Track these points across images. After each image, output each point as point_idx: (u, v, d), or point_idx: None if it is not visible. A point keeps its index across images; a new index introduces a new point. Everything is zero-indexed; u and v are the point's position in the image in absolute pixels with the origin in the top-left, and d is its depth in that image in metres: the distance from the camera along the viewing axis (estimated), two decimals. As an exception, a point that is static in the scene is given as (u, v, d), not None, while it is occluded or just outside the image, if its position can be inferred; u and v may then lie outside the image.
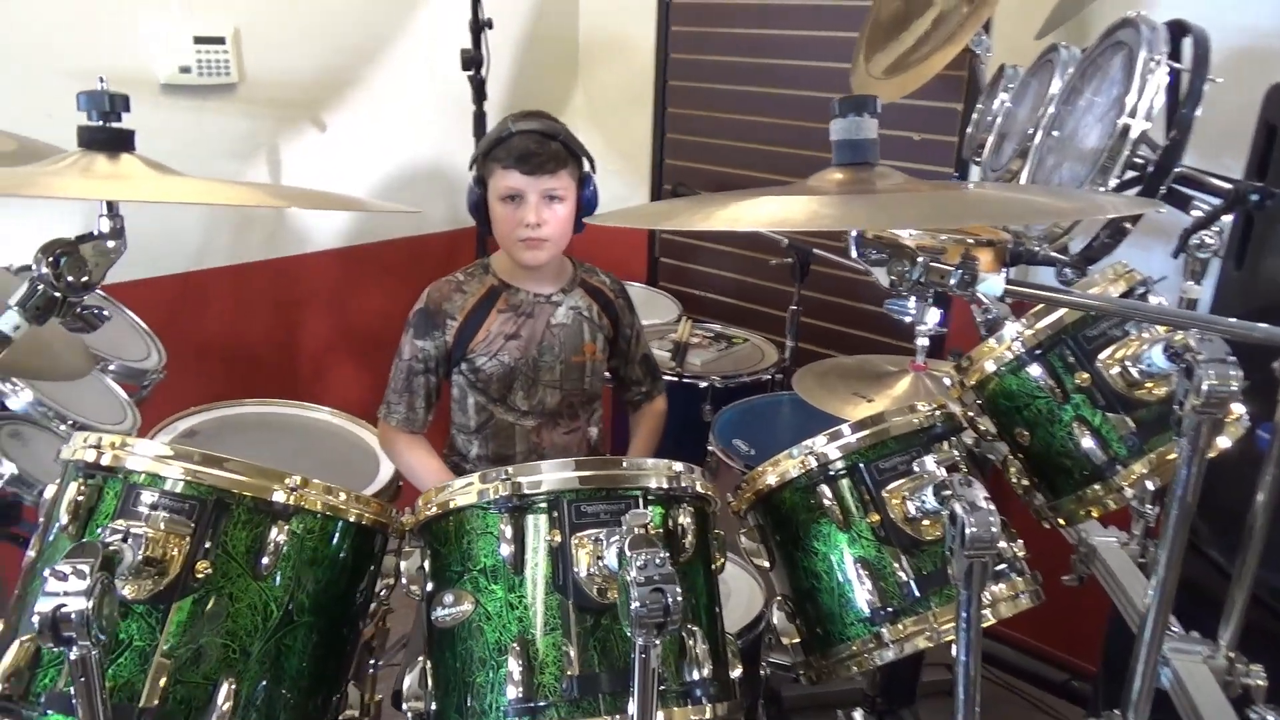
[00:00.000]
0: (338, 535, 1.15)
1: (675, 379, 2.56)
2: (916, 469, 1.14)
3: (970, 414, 1.29)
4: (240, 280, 2.75)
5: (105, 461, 1.06)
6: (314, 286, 2.95)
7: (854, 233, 0.96)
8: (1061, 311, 1.17)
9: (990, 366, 1.25)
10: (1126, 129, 1.35)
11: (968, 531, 0.96)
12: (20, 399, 1.55)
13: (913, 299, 0.97)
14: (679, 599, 0.90)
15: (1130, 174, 1.40)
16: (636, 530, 0.98)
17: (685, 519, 1.13)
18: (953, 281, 0.93)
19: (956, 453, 1.20)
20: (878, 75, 2.14)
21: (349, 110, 2.90)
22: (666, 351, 2.68)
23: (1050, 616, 1.42)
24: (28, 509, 1.45)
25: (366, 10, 2.85)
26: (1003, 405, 1.26)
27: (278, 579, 1.08)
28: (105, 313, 0.91)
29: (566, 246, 1.88)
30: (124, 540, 0.95)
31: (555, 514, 1.08)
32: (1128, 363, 1.12)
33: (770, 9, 2.99)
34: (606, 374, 2.03)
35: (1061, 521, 1.26)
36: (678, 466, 1.15)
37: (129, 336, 2.03)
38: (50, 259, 0.82)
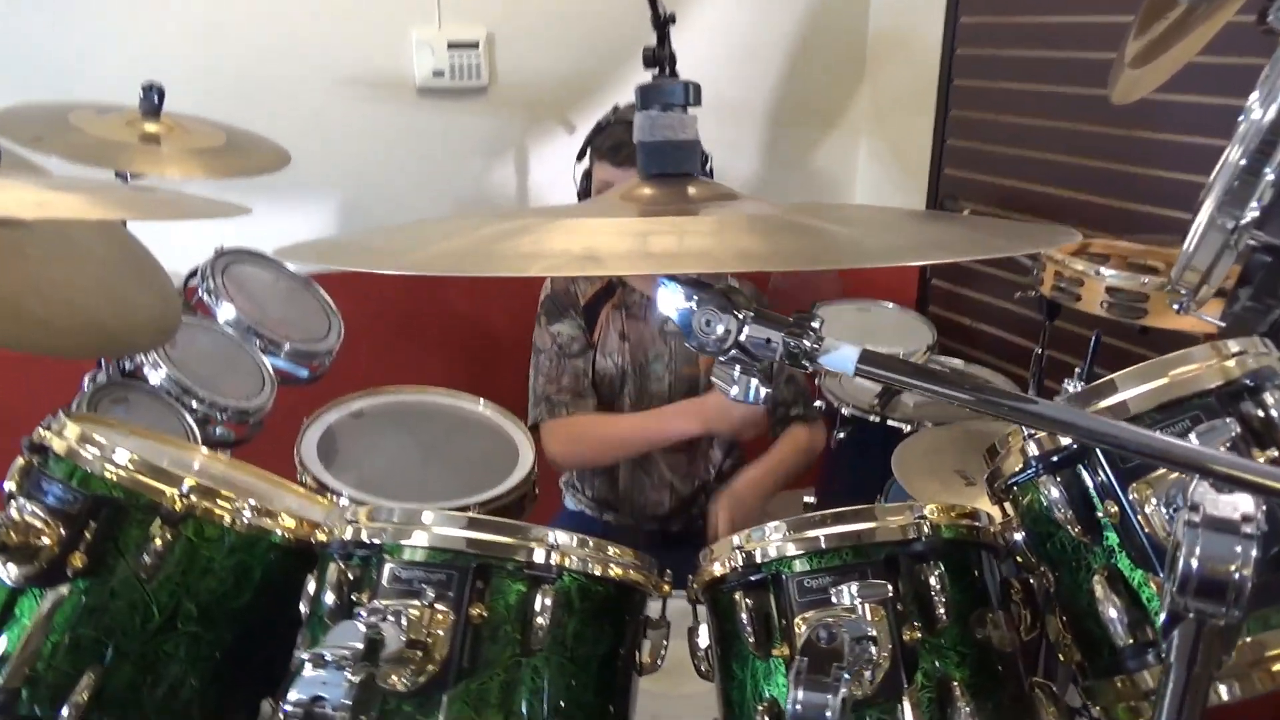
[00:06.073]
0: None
1: (878, 421, 2.22)
2: (834, 598, 0.82)
3: (1007, 532, 0.91)
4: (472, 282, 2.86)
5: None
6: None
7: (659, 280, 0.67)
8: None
9: (1014, 466, 0.86)
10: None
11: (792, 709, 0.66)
12: (158, 374, 1.71)
13: (738, 367, 0.65)
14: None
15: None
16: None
17: (546, 601, 0.92)
18: (779, 349, 0.62)
19: (916, 582, 0.84)
20: (1128, 67, 1.65)
21: (595, 111, 2.90)
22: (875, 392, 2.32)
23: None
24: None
25: (611, 14, 2.82)
26: (1032, 530, 0.87)
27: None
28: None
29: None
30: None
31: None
32: (1156, 500, 0.70)
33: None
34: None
35: (1099, 712, 0.83)
36: (564, 538, 0.94)
37: (314, 315, 2.17)
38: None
